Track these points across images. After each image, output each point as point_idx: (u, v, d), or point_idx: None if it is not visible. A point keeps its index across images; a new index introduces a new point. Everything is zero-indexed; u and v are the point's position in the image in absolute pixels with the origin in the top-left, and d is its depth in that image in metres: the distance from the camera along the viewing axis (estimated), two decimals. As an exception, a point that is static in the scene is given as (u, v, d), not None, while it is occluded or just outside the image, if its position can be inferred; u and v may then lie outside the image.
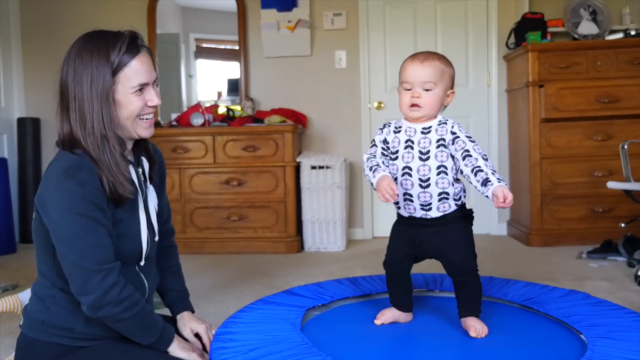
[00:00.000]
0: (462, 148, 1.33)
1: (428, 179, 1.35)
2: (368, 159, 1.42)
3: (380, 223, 4.51)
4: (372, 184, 1.37)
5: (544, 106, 3.87)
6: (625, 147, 3.30)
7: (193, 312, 1.55)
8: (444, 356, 1.24)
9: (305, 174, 4.02)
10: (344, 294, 1.66)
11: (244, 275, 3.33)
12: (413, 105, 1.36)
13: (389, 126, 1.43)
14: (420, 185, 1.36)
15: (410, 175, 1.36)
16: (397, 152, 1.39)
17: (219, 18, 4.63)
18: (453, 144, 1.35)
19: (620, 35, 4.03)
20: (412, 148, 1.37)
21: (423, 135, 1.36)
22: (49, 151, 4.63)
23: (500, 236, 4.39)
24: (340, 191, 4.03)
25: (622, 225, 3.36)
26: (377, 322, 1.43)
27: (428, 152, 1.35)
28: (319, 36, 4.47)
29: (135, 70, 1.29)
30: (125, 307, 1.23)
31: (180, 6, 4.67)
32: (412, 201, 1.38)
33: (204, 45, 4.76)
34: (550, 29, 4.15)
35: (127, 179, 1.29)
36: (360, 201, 4.50)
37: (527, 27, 4.06)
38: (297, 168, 4.06)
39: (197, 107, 4.21)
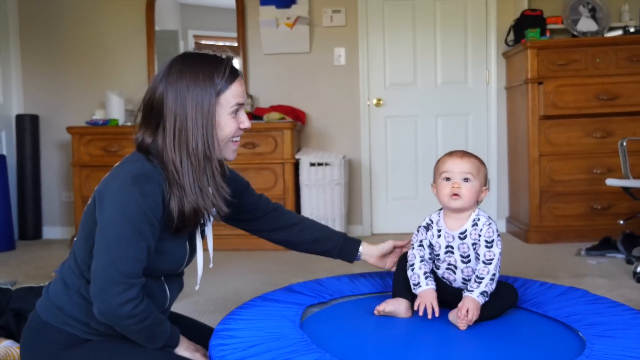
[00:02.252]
0: (476, 252, 1.42)
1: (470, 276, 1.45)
2: (422, 259, 1.46)
3: (379, 220, 4.52)
4: (414, 284, 1.44)
5: (543, 103, 3.87)
6: (624, 144, 3.31)
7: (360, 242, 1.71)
8: (442, 354, 1.24)
9: (305, 171, 4.02)
10: (343, 291, 1.66)
11: (243, 272, 3.33)
12: (454, 194, 1.42)
13: (431, 228, 1.48)
14: (463, 280, 1.45)
15: (454, 272, 1.46)
16: (438, 255, 1.47)
17: (218, 15, 4.62)
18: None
19: (619, 32, 4.03)
20: (452, 253, 1.44)
21: (461, 241, 1.43)
22: (48, 148, 4.63)
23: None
24: (340, 188, 4.03)
25: (621, 222, 3.36)
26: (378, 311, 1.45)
27: (468, 256, 1.43)
28: (318, 33, 4.46)
29: (235, 92, 1.33)
30: (135, 321, 1.23)
31: (179, 3, 4.66)
32: (455, 279, 1.47)
33: (203, 42, 4.75)
34: (550, 26, 4.14)
35: (221, 200, 1.34)
36: (359, 198, 4.50)
37: (526, 24, 4.06)
38: (296, 165, 4.06)
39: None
